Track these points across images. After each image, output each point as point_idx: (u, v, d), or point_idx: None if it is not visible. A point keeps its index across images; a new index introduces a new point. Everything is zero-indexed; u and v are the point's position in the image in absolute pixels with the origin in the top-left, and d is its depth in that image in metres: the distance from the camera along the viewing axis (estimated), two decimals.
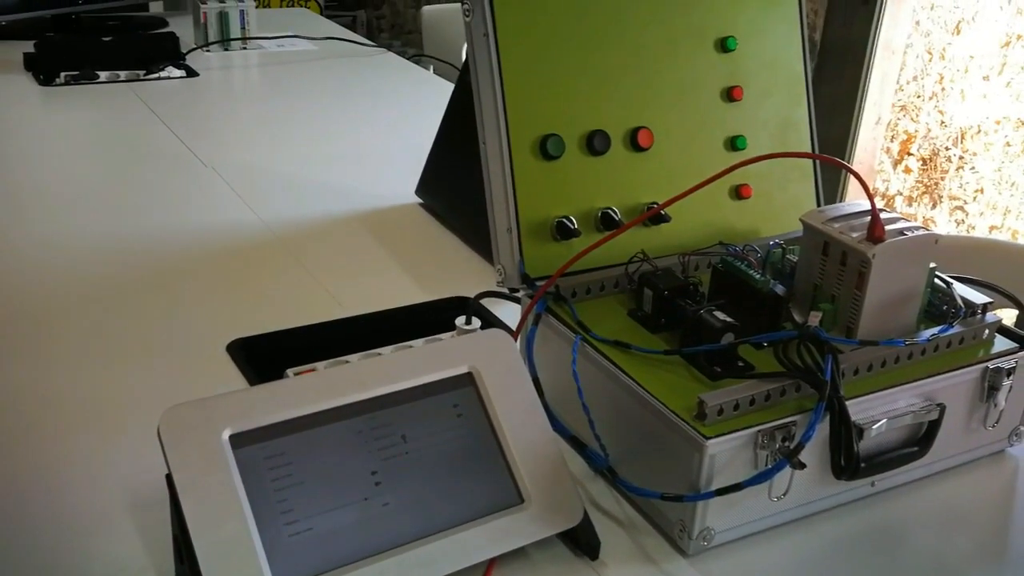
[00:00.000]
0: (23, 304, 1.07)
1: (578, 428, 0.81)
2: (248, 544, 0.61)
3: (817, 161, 1.03)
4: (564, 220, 0.88)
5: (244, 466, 0.63)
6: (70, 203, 1.37)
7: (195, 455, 0.62)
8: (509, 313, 1.05)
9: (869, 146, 2.86)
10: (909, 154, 2.90)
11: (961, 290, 0.84)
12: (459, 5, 0.88)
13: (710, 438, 0.69)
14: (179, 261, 1.19)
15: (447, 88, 1.83)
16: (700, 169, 0.94)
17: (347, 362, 0.86)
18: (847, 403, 0.72)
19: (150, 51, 2.04)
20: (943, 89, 2.78)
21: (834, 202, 0.94)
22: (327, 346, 0.89)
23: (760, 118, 0.98)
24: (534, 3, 0.88)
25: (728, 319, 0.76)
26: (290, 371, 0.84)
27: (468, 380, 0.72)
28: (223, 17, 2.21)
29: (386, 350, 0.88)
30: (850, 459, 0.72)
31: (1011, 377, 0.81)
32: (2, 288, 1.11)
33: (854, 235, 0.78)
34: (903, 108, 2.88)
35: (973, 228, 2.75)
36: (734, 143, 0.97)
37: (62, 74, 1.93)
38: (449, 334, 0.91)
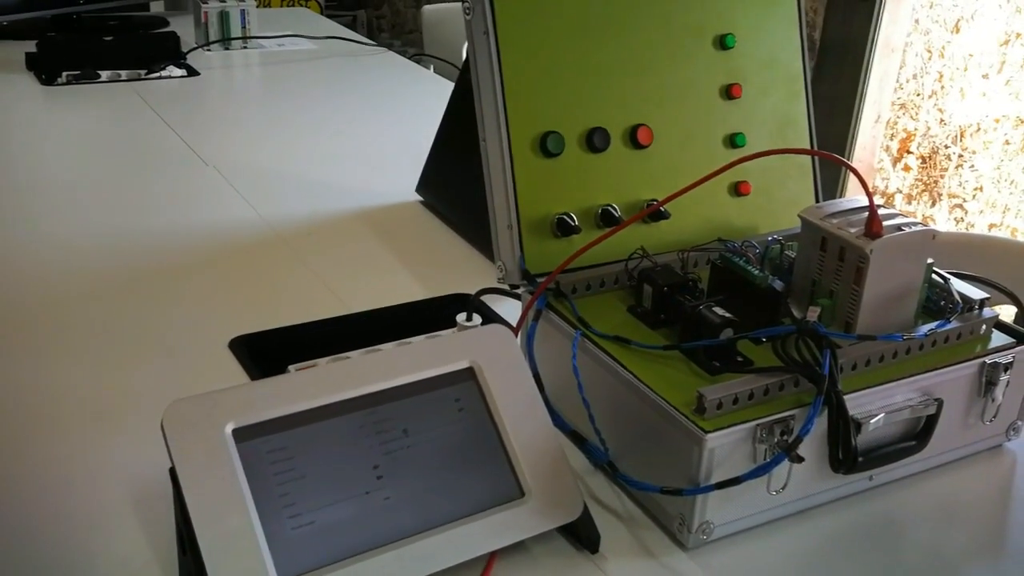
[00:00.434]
0: (26, 302, 1.08)
1: (578, 423, 0.82)
2: (251, 537, 0.61)
3: (816, 158, 1.03)
4: (564, 217, 0.89)
5: (247, 460, 0.64)
6: (72, 202, 1.37)
7: (198, 449, 0.63)
8: (510, 309, 1.05)
9: (869, 144, 2.87)
10: (908, 152, 2.90)
11: (959, 286, 0.85)
12: (459, 4, 0.88)
13: (709, 432, 0.69)
14: (181, 259, 1.20)
15: (447, 87, 1.83)
16: (699, 166, 0.94)
17: (349, 358, 0.86)
18: (845, 397, 0.72)
19: (151, 51, 2.05)
20: (942, 87, 2.78)
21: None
22: (329, 343, 0.89)
23: (759, 116, 0.99)
24: (534, 1, 0.88)
25: (727, 315, 0.77)
26: (292, 367, 0.85)
27: (469, 375, 0.73)
28: (224, 16, 2.21)
29: (387, 346, 0.88)
30: (848, 453, 0.73)
31: (1008, 372, 0.82)
32: (5, 286, 1.11)
33: (852, 231, 0.78)
34: (902, 106, 2.88)
35: (972, 226, 2.75)
36: (733, 140, 0.97)
37: (63, 74, 1.93)
38: (450, 330, 0.91)
